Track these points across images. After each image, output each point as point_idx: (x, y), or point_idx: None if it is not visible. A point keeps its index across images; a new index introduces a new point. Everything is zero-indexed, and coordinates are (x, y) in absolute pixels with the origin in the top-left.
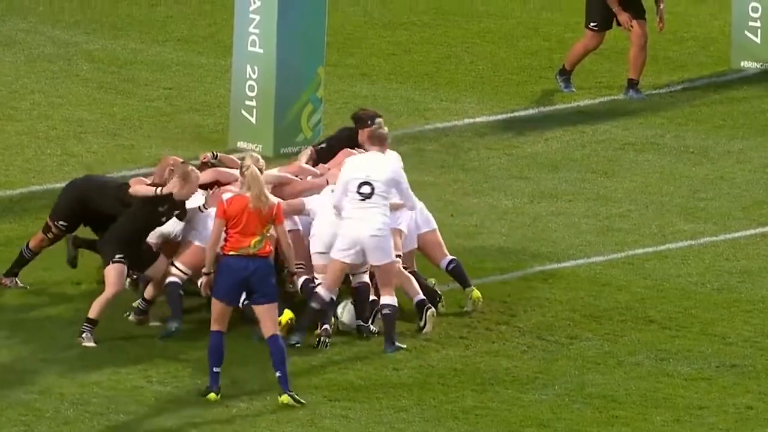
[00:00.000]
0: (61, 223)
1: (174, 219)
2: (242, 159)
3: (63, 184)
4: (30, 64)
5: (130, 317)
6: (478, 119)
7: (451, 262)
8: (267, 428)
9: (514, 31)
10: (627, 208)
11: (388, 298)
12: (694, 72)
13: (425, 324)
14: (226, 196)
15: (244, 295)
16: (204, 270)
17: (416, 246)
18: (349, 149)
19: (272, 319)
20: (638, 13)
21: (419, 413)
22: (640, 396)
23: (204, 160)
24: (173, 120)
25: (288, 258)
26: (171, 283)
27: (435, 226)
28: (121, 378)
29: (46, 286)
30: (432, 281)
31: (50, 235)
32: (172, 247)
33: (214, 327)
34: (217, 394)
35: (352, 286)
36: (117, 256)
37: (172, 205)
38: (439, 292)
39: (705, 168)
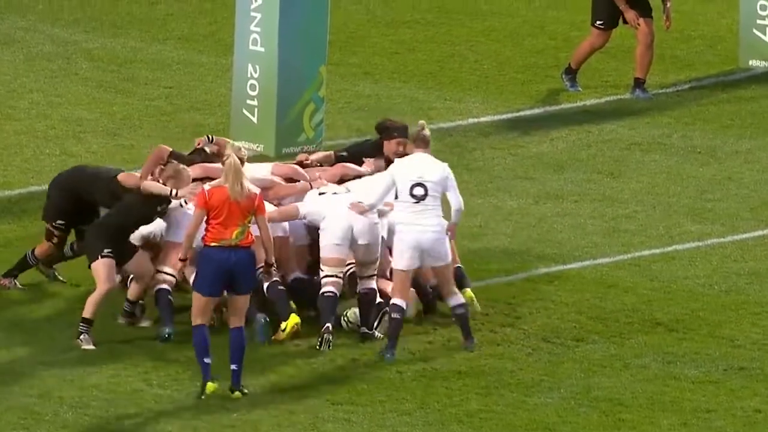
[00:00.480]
0: (58, 222)
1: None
2: (217, 144)
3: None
4: (29, 62)
5: (119, 320)
6: (482, 119)
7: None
8: None
9: (519, 30)
10: (633, 209)
11: (458, 298)
12: (702, 71)
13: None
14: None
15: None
16: (180, 256)
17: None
18: (346, 164)
19: (242, 310)
20: (645, 11)
21: (423, 417)
22: (646, 399)
23: (199, 146)
24: (174, 119)
25: (267, 249)
26: (160, 290)
27: None
28: (121, 381)
29: (45, 288)
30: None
31: (54, 240)
32: (151, 246)
33: (196, 321)
34: (214, 383)
35: (359, 291)
36: (105, 250)
37: (167, 205)
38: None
39: (713, 168)
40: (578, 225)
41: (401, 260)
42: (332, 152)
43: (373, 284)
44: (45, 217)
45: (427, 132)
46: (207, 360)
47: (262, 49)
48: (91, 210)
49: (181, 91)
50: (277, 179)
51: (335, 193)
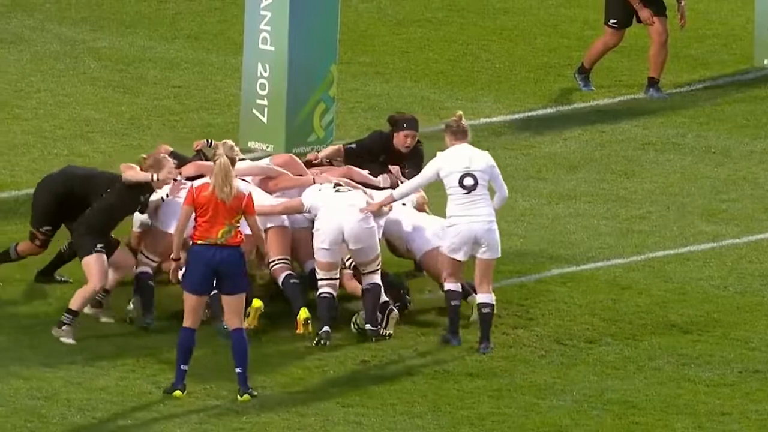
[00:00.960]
0: (45, 228)
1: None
2: (215, 147)
3: None
4: (36, 62)
5: (86, 310)
6: (494, 118)
7: None
8: None
9: (531, 29)
10: (647, 210)
11: (490, 297)
12: (716, 70)
13: (386, 326)
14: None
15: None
16: (172, 256)
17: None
18: (352, 168)
19: (238, 311)
20: (659, 9)
21: (434, 420)
22: (660, 402)
23: (197, 148)
24: (182, 119)
25: (259, 245)
26: (141, 272)
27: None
28: (129, 383)
29: (51, 289)
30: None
31: (37, 243)
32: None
33: (186, 323)
34: (183, 392)
35: (363, 287)
36: (98, 245)
37: (150, 195)
38: (407, 287)
39: (727, 168)
40: (591, 226)
41: (454, 252)
42: (341, 146)
43: (377, 279)
44: (32, 222)
45: (465, 122)
46: (184, 367)
47: (272, 48)
48: (80, 210)
49: (190, 91)
50: (279, 169)
51: (337, 189)
